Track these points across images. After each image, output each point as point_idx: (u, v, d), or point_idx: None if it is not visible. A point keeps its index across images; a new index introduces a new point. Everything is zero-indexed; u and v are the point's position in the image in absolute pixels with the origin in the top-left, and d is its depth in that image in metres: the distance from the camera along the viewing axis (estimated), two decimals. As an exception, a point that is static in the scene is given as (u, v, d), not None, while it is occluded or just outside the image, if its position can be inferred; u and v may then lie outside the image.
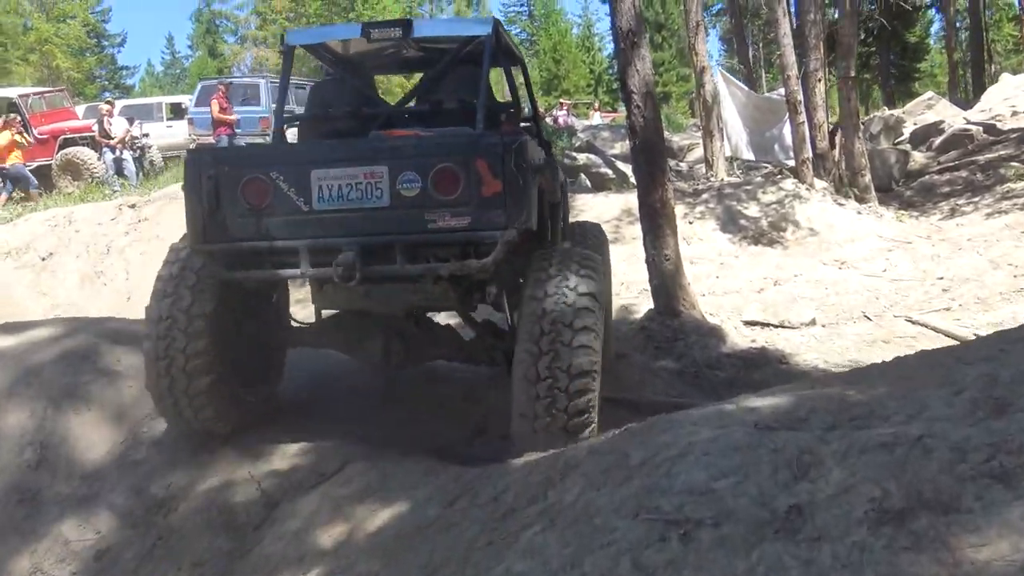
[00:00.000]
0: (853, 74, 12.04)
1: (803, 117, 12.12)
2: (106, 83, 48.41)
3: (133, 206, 12.04)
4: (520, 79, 5.65)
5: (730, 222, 11.54)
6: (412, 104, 5.14)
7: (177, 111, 18.50)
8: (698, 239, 11.25)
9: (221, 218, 3.72)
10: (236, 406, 4.29)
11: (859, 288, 9.11)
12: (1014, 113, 17.23)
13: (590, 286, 3.82)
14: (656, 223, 7.51)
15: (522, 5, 61.93)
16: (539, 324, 3.73)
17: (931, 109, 20.72)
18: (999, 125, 16.31)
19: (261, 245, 3.76)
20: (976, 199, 12.20)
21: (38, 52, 41.02)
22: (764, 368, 6.78)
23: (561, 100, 28.90)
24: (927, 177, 14.39)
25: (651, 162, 7.43)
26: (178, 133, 17.37)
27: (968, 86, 26.27)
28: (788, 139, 15.48)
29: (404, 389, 5.23)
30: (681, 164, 17.80)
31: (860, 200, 12.06)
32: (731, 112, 14.60)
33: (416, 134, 4.16)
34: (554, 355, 3.67)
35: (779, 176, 12.01)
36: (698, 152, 18.96)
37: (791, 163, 15.63)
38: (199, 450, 4.35)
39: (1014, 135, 15.21)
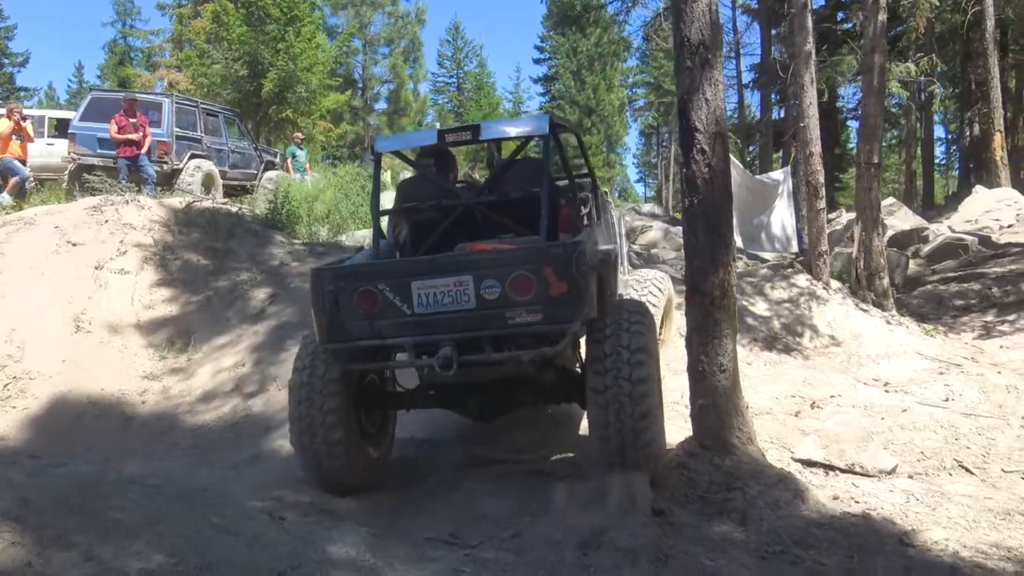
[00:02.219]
0: (876, 160, 10.36)
1: (822, 203, 10.26)
2: (-1, 102, 44.29)
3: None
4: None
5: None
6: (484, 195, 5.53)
7: (64, 128, 15.51)
8: (700, 338, 9.07)
9: (341, 322, 4.62)
10: (362, 459, 5.22)
11: (928, 422, 7.00)
12: (1001, 226, 16.00)
13: (640, 341, 4.77)
14: (712, 318, 5.26)
15: (451, 77, 60.92)
16: (603, 380, 4.64)
17: (893, 215, 19.53)
18: (993, 238, 14.98)
19: (374, 343, 4.66)
20: (1011, 317, 10.45)
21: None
22: (885, 554, 4.48)
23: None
24: (931, 287, 12.74)
25: (713, 230, 5.20)
26: (58, 152, 14.43)
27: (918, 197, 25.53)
28: (776, 228, 13.77)
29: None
30: (634, 246, 15.87)
31: (878, 306, 10.17)
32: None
33: (495, 247, 4.80)
34: (619, 407, 4.59)
35: (790, 270, 10.02)
36: (651, 235, 17.10)
37: (768, 255, 13.87)
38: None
39: (1015, 249, 13.80)
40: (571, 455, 5.92)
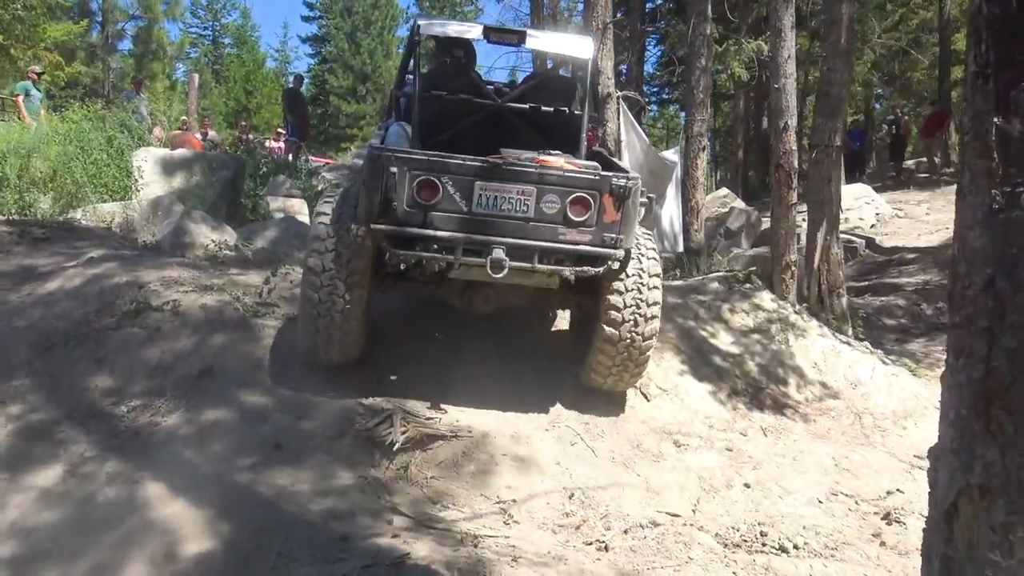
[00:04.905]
0: (839, 142, 7.89)
1: (795, 196, 7.59)
2: None
3: None
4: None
5: (700, 360, 6.52)
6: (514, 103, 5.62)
7: None
8: (663, 390, 6.08)
9: (393, 206, 4.56)
10: (366, 336, 5.38)
11: None
12: (872, 225, 14.54)
13: (657, 268, 5.17)
14: None
15: (206, 29, 53.94)
16: (623, 298, 5.02)
17: (726, 208, 17.82)
18: (877, 240, 13.37)
19: (425, 233, 4.61)
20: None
21: None
22: None
23: (279, 129, 22.65)
24: (841, 299, 10.60)
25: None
26: None
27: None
28: (665, 222, 11.13)
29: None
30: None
31: (839, 331, 7.71)
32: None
33: (561, 165, 4.85)
34: (633, 322, 5.04)
35: (748, 286, 7.28)
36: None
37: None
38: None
39: (909, 255, 12.17)
40: None
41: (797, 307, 7.46)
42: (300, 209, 10.86)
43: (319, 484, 4.48)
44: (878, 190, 17.92)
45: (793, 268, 7.59)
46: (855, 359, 6.88)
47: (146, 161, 9.34)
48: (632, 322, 5.03)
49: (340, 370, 5.50)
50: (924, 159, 23.93)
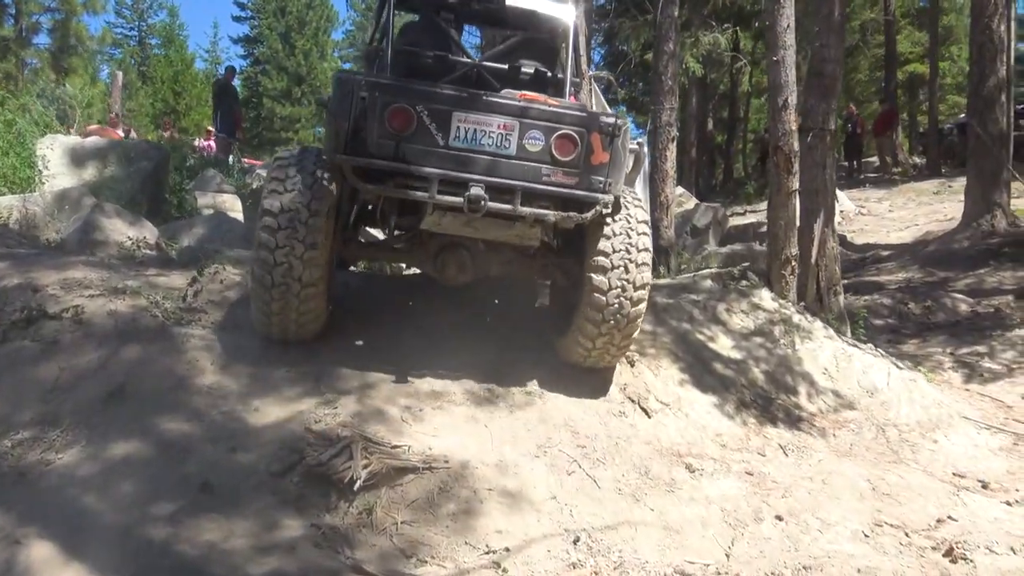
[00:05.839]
0: (833, 125, 7.15)
1: (795, 182, 6.82)
2: None
3: None
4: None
5: (700, 368, 5.69)
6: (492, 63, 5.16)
7: None
8: (664, 404, 5.22)
9: (363, 136, 4.13)
10: (325, 307, 4.73)
11: None
12: (839, 222, 13.99)
13: (645, 215, 4.75)
14: None
15: (132, 29, 51.76)
16: (610, 243, 4.54)
17: (682, 207, 17.18)
18: (848, 238, 12.81)
19: (397, 167, 4.18)
20: (981, 349, 7.84)
21: None
22: None
23: (208, 127, 21.24)
24: (838, 297, 9.95)
25: None
26: None
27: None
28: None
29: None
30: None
31: (839, 332, 6.97)
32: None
33: (546, 100, 4.45)
34: (623, 268, 4.54)
35: (744, 283, 6.49)
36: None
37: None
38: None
39: (884, 252, 11.62)
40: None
41: (799, 306, 6.69)
42: (233, 206, 9.77)
43: (260, 537, 3.49)
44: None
45: (793, 263, 6.82)
46: (868, 364, 6.14)
47: (52, 149, 8.16)
48: (622, 268, 4.55)
49: (287, 380, 4.53)
50: (874, 158, 23.83)
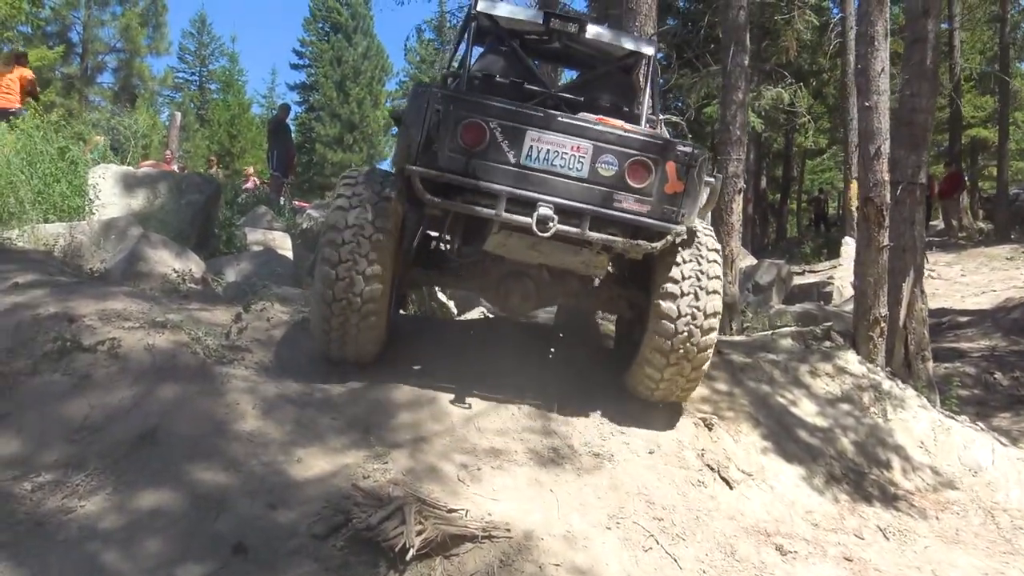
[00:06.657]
0: (924, 179, 6.66)
1: (885, 237, 6.31)
2: None
3: None
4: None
5: (783, 435, 5.16)
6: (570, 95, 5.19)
7: None
8: (746, 474, 4.69)
9: (434, 149, 4.06)
10: (386, 328, 4.60)
11: None
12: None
13: (715, 243, 4.55)
14: None
15: (193, 74, 53.10)
16: (680, 270, 4.37)
17: (743, 264, 16.57)
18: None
19: (466, 181, 4.07)
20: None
21: None
22: None
23: (248, 170, 21.40)
24: (927, 363, 9.32)
25: None
26: None
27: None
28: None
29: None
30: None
31: (930, 402, 6.36)
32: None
33: (622, 125, 4.35)
34: (694, 295, 4.34)
35: (828, 344, 5.97)
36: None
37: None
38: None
39: (963, 318, 10.95)
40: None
41: (887, 371, 6.13)
42: (283, 244, 9.49)
43: (298, 612, 3.05)
44: (898, 251, 16.83)
45: (883, 324, 6.25)
46: (969, 438, 5.55)
47: (104, 179, 7.96)
48: (692, 295, 4.37)
49: (334, 429, 4.12)
50: (937, 222, 23.11)
